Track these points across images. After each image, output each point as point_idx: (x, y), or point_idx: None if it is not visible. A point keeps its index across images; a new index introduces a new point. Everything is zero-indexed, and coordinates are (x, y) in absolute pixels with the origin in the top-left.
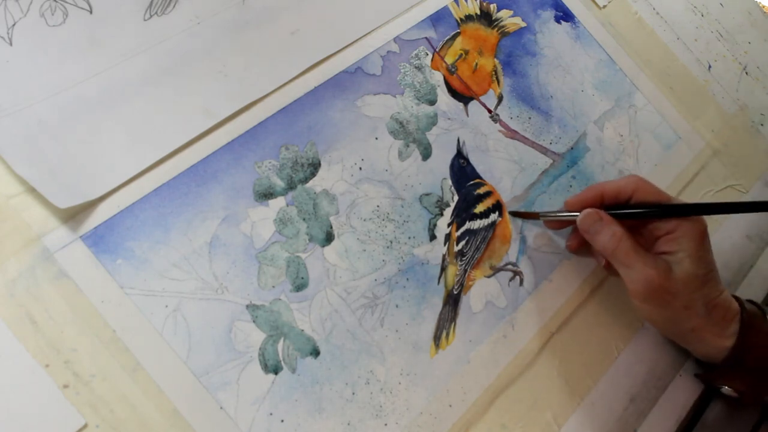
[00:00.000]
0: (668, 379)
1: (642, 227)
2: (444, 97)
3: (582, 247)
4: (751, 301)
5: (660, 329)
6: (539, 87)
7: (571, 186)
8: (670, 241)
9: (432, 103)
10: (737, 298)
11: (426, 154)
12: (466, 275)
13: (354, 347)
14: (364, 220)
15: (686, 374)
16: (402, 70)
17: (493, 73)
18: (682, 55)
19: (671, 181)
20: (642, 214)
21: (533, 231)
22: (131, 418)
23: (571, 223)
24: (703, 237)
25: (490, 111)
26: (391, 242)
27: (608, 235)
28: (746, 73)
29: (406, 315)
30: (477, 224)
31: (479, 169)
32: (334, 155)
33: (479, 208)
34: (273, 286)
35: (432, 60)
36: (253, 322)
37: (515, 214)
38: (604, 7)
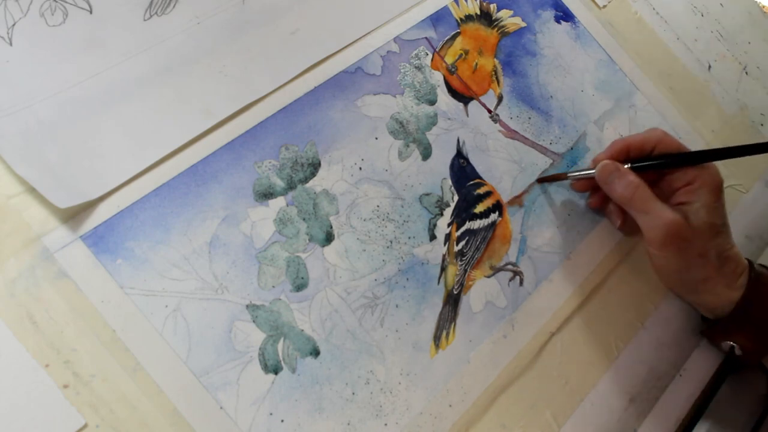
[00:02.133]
0: (668, 379)
1: (660, 180)
2: (444, 97)
3: (604, 204)
4: (762, 264)
5: (673, 280)
6: (539, 87)
7: (571, 186)
8: (687, 192)
9: (432, 103)
10: (747, 259)
11: (426, 154)
12: (466, 275)
13: (354, 347)
14: (364, 220)
15: (686, 374)
16: (402, 70)
17: (493, 73)
18: (682, 55)
19: None
20: (662, 164)
21: (534, 230)
22: (131, 418)
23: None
24: (719, 189)
25: (490, 111)
26: (391, 242)
27: (625, 183)
28: (746, 73)
29: (406, 315)
30: (477, 224)
31: (479, 169)
32: (334, 155)
33: (479, 208)
34: (273, 286)
35: (432, 60)
36: (253, 322)
37: (543, 179)
38: (604, 7)
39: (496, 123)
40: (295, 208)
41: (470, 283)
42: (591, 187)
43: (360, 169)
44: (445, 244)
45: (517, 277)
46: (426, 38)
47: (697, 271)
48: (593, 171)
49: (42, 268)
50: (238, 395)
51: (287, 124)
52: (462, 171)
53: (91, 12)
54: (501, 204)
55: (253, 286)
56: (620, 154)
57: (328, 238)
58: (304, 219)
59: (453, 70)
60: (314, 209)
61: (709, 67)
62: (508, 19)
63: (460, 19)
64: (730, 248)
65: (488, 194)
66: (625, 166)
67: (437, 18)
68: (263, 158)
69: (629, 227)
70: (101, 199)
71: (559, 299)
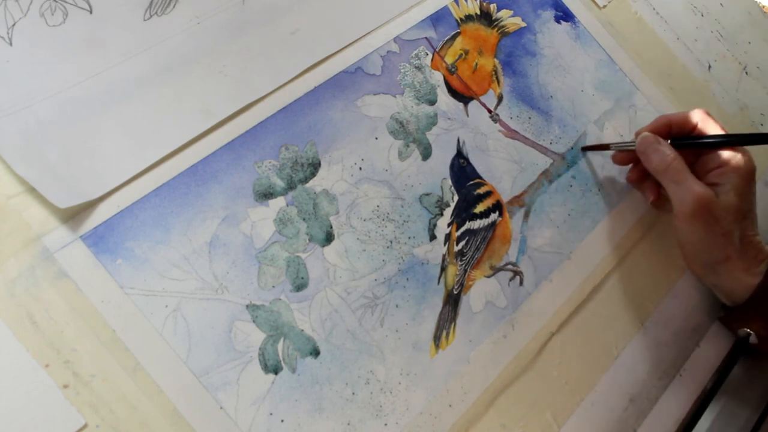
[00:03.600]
0: (668, 379)
1: (695, 161)
2: (444, 97)
3: (641, 179)
4: None
5: (695, 256)
6: (539, 87)
7: (571, 186)
8: (720, 175)
9: (432, 103)
10: None
11: (426, 154)
12: (466, 275)
13: (354, 347)
14: (364, 220)
15: (686, 374)
16: (402, 70)
17: (493, 73)
18: (682, 55)
19: None
20: (699, 143)
21: (534, 230)
22: (131, 418)
23: (636, 156)
24: (750, 176)
25: (490, 111)
26: (391, 242)
27: (661, 154)
28: (746, 73)
29: (406, 315)
30: (477, 224)
31: (479, 169)
32: (334, 155)
33: (479, 208)
34: (273, 286)
35: (432, 60)
36: (253, 322)
37: (587, 148)
38: (604, 7)
39: (496, 123)
40: (295, 208)
41: (470, 283)
42: (631, 160)
43: (360, 169)
44: (445, 244)
45: (517, 277)
46: (426, 38)
47: (719, 251)
48: (632, 142)
49: (42, 268)
50: (238, 395)
51: (287, 124)
52: (462, 171)
53: (91, 12)
54: (501, 204)
55: (253, 286)
56: (662, 128)
57: (328, 238)
58: (304, 219)
59: (453, 70)
60: (314, 209)
61: (709, 67)
62: (508, 19)
63: (460, 19)
64: (753, 235)
65: (488, 194)
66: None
67: (437, 18)
68: (263, 158)
69: (661, 204)
70: (101, 199)
71: (559, 299)
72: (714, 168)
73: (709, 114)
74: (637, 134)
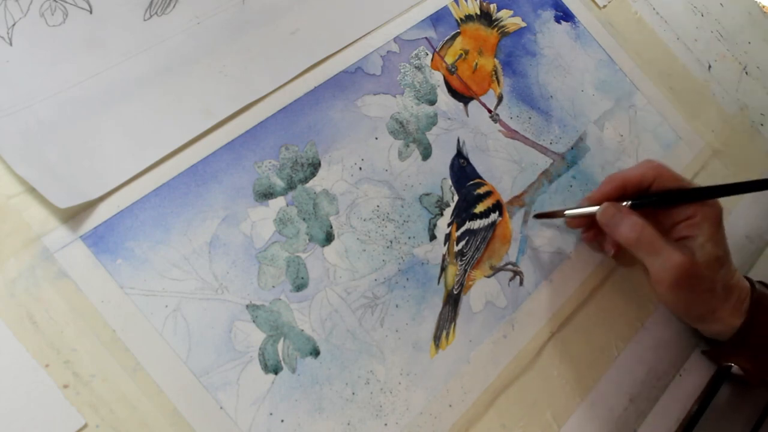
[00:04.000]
0: (668, 379)
1: (660, 214)
2: (444, 97)
3: (598, 236)
4: (761, 282)
5: (680, 313)
6: (539, 87)
7: (571, 186)
8: (690, 226)
9: (432, 103)
10: (747, 278)
11: (426, 154)
12: (466, 275)
13: (354, 347)
14: (364, 220)
15: (686, 374)
16: (402, 70)
17: (493, 73)
18: (682, 55)
19: None
20: (664, 202)
21: (534, 230)
22: (131, 418)
23: (592, 218)
24: (720, 219)
25: (490, 111)
26: (391, 242)
27: (628, 226)
28: (746, 73)
29: (406, 315)
30: (477, 224)
31: (479, 169)
32: (334, 155)
33: (479, 208)
34: (273, 286)
35: (432, 60)
36: (253, 322)
37: (540, 215)
38: (604, 7)
39: (496, 123)
40: (295, 208)
41: (470, 283)
42: (586, 223)
43: (360, 169)
44: (445, 244)
45: (517, 277)
46: (426, 38)
47: (705, 306)
48: (589, 209)
49: (42, 268)
50: (238, 395)
51: (287, 124)
52: (462, 171)
53: (91, 12)
54: (501, 204)
55: (253, 286)
56: (617, 191)
57: (328, 238)
58: (304, 219)
59: (453, 70)
60: (314, 209)
61: (709, 67)
62: (508, 19)
63: (460, 19)
64: (732, 277)
65: (488, 194)
66: (625, 203)
67: (437, 18)
68: (263, 158)
69: (623, 257)
70: (101, 199)
71: (559, 299)
72: (682, 220)
73: (662, 165)
74: (589, 199)
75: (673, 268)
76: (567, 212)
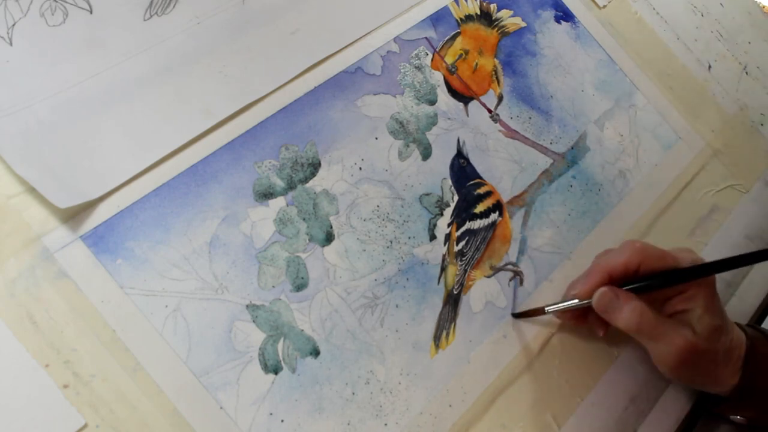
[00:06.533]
0: (668, 379)
1: (653, 292)
2: (444, 97)
3: (584, 318)
4: (750, 325)
5: (683, 383)
6: (539, 87)
7: (571, 186)
8: (684, 300)
9: (432, 103)
10: (740, 326)
11: (426, 154)
12: (466, 275)
13: (354, 347)
14: (364, 220)
15: None
16: (402, 70)
17: (493, 73)
18: (682, 55)
19: (671, 181)
20: (659, 284)
21: (534, 231)
22: (131, 418)
23: (579, 309)
24: (714, 288)
25: (490, 111)
26: (391, 242)
27: (629, 311)
28: (746, 73)
29: (406, 315)
30: (477, 224)
31: (479, 169)
32: (334, 155)
33: (479, 208)
34: (273, 286)
35: (432, 60)
36: (253, 322)
37: (519, 315)
38: (604, 7)
39: (496, 123)
40: (295, 208)
41: (470, 283)
42: (572, 315)
43: (360, 169)
44: (445, 244)
45: (517, 277)
46: (426, 38)
47: (709, 376)
48: (578, 303)
49: (42, 268)
50: (238, 395)
51: (287, 124)
52: (462, 171)
53: (91, 12)
54: (501, 204)
55: (253, 286)
56: (603, 281)
57: (328, 238)
58: (304, 219)
59: (453, 70)
60: (314, 209)
61: (709, 67)
62: (508, 19)
63: (460, 19)
64: (731, 339)
65: (488, 194)
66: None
67: (437, 18)
68: (263, 158)
69: (612, 335)
70: (101, 199)
71: (560, 299)
72: (676, 294)
73: (645, 244)
74: (571, 289)
75: (676, 351)
76: (548, 309)
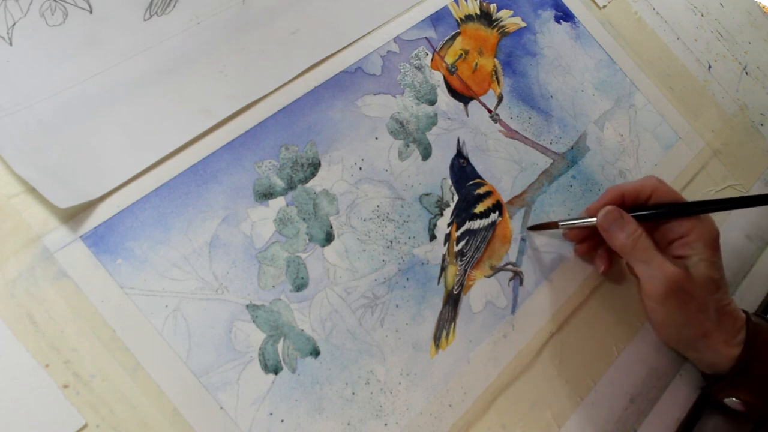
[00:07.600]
0: (668, 379)
1: (655, 231)
2: (444, 97)
3: (591, 250)
4: (757, 314)
5: (671, 334)
6: (539, 87)
7: (571, 186)
8: (684, 245)
9: (432, 103)
10: (744, 311)
11: (426, 154)
12: (466, 275)
13: (354, 347)
14: (364, 220)
15: (686, 374)
16: (402, 70)
17: (493, 73)
18: (682, 55)
19: (671, 181)
20: (662, 214)
21: (534, 231)
22: (131, 418)
23: (591, 230)
24: (716, 242)
25: (490, 111)
26: (391, 242)
27: (628, 232)
28: (746, 73)
29: (406, 315)
30: (477, 224)
31: (479, 169)
32: (334, 155)
33: (479, 208)
34: (273, 286)
35: (432, 60)
36: (253, 322)
37: (534, 227)
38: (604, 7)
39: (496, 123)
40: (295, 208)
41: (470, 283)
42: (583, 236)
43: (360, 169)
44: (445, 244)
45: (517, 277)
46: (426, 38)
47: (696, 327)
48: (587, 220)
49: (42, 268)
50: (238, 395)
51: (287, 124)
52: (462, 171)
53: (91, 12)
54: (501, 204)
55: (253, 286)
56: (615, 201)
57: (328, 238)
58: (304, 219)
59: (453, 70)
60: (314, 209)
61: (709, 67)
62: (508, 19)
63: (460, 19)
64: (728, 303)
65: (488, 194)
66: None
67: (437, 18)
68: (263, 158)
69: (612, 274)
70: (101, 199)
71: (559, 299)
72: (676, 238)
73: (662, 181)
74: (588, 210)
75: (665, 278)
76: (562, 224)
